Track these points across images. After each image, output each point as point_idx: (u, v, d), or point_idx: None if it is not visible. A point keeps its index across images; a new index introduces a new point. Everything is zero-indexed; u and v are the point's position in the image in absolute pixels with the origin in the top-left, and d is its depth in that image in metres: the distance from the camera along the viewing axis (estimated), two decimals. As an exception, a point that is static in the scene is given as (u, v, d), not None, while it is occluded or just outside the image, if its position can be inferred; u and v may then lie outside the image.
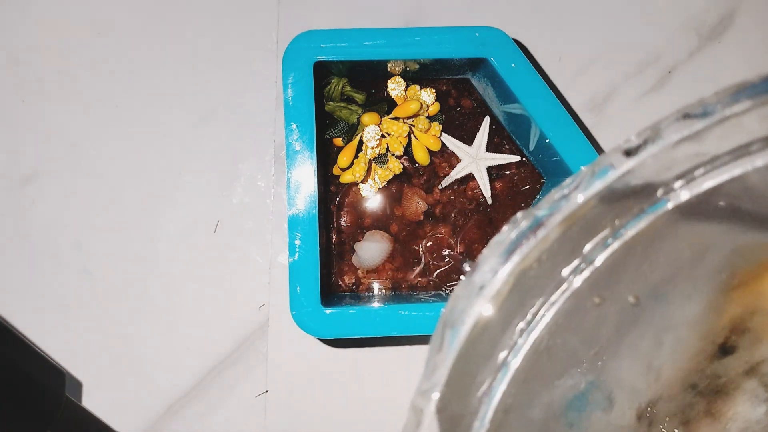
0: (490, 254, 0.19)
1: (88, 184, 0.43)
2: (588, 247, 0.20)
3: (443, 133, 0.42)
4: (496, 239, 0.19)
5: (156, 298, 0.43)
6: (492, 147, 0.43)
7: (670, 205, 0.20)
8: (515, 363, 0.20)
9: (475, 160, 0.41)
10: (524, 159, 0.43)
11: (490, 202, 0.42)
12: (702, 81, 0.46)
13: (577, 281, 0.20)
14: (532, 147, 0.42)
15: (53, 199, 0.43)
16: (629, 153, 0.19)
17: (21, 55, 0.44)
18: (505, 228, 0.19)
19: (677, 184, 0.20)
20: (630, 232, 0.20)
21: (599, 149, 0.45)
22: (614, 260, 0.20)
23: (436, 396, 0.19)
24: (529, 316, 0.20)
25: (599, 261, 0.20)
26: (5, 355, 0.35)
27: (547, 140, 0.37)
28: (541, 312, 0.21)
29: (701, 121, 0.19)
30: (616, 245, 0.20)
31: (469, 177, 0.43)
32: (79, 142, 0.43)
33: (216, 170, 0.44)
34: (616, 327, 0.23)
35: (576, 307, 0.21)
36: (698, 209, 0.20)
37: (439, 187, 0.42)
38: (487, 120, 0.42)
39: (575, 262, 0.20)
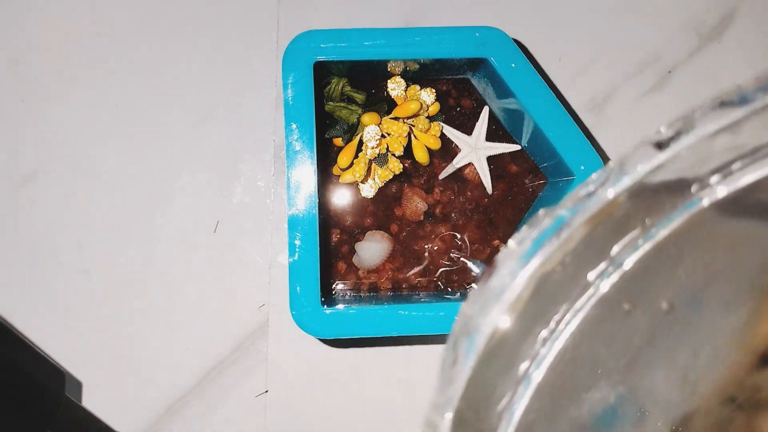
0: (508, 256, 0.17)
1: (88, 184, 0.43)
2: (616, 248, 0.19)
3: (442, 124, 0.42)
4: (515, 240, 0.18)
5: (156, 298, 0.43)
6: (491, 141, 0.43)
7: (705, 203, 0.18)
8: (538, 375, 0.19)
9: (474, 149, 0.41)
10: (524, 153, 0.43)
11: (490, 191, 0.42)
12: (702, 81, 0.46)
13: (605, 286, 0.19)
14: (532, 147, 0.42)
15: (53, 199, 0.43)
16: (660, 146, 0.17)
17: (21, 55, 0.44)
18: (524, 228, 0.18)
19: (713, 179, 0.18)
20: (662, 233, 0.18)
21: (599, 149, 0.45)
22: (645, 263, 0.19)
23: (451, 411, 0.17)
24: (552, 324, 0.19)
25: (628, 264, 0.19)
26: (5, 355, 0.35)
27: (547, 140, 0.37)
28: (566, 319, 0.19)
29: (739, 110, 0.17)
30: (646, 247, 0.18)
31: (467, 176, 0.42)
32: (79, 142, 0.43)
33: (216, 170, 0.44)
34: (648, 336, 0.22)
35: (604, 314, 0.19)
36: (737, 206, 0.19)
37: (440, 177, 0.42)
38: (486, 110, 0.42)
39: (602, 266, 0.19)
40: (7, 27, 0.44)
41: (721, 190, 0.18)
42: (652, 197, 0.18)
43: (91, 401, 0.42)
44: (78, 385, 0.42)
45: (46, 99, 0.44)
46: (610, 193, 0.17)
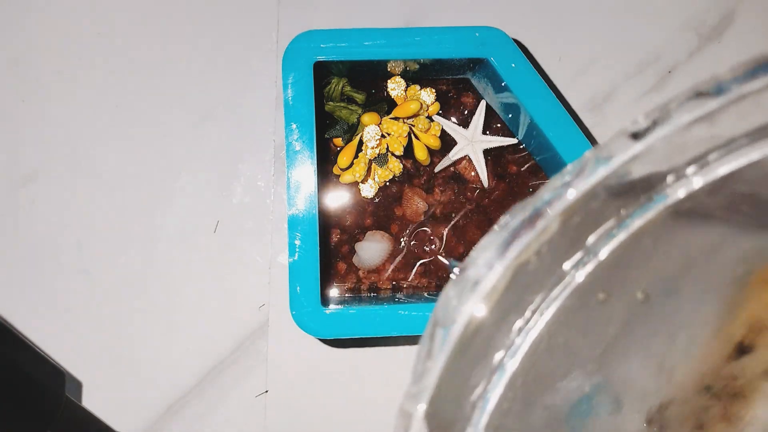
0: (485, 247, 0.17)
1: (88, 184, 0.43)
2: (591, 239, 0.18)
3: (440, 117, 0.42)
4: (492, 232, 0.18)
5: (156, 298, 0.43)
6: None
7: (681, 194, 0.18)
8: (512, 365, 0.19)
9: (471, 142, 0.41)
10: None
11: (486, 184, 0.42)
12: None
13: (580, 276, 0.19)
14: (532, 147, 0.42)
15: (53, 199, 0.43)
16: (636, 136, 0.17)
17: (21, 55, 0.44)
18: (501, 219, 0.18)
19: (689, 170, 0.18)
20: (637, 223, 0.18)
21: (599, 149, 0.45)
22: (620, 253, 0.19)
23: (425, 400, 0.17)
24: (527, 314, 0.19)
25: (604, 254, 0.19)
26: (5, 355, 0.35)
27: (547, 140, 0.37)
28: (541, 309, 0.19)
29: (715, 100, 0.17)
30: (622, 237, 0.18)
31: (464, 174, 0.43)
32: (79, 142, 0.43)
33: (216, 170, 0.44)
34: (623, 325, 0.22)
35: (579, 303, 0.19)
36: (713, 198, 0.19)
37: (435, 170, 0.42)
38: (483, 103, 0.42)
39: (578, 256, 0.19)
40: (7, 27, 0.44)
41: (697, 181, 0.18)
42: (628, 187, 0.18)
43: (91, 401, 0.42)
44: (78, 385, 0.42)
45: (46, 99, 0.43)
46: (586, 183, 0.17)
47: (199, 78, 0.44)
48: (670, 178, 0.18)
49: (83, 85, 0.44)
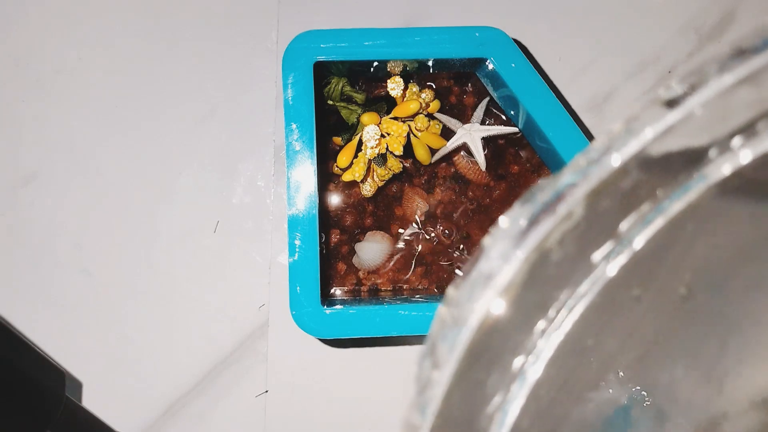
0: (499, 237, 0.15)
1: (88, 184, 0.43)
2: (624, 225, 0.16)
3: (438, 115, 0.42)
4: (507, 218, 0.15)
5: (156, 298, 0.43)
6: (493, 139, 0.43)
7: (726, 170, 0.16)
8: (535, 372, 0.16)
9: (469, 132, 0.41)
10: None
11: (483, 168, 0.42)
12: (702, 81, 0.46)
13: (612, 269, 0.16)
14: (533, 146, 0.42)
15: (53, 199, 0.43)
16: (672, 104, 0.15)
17: (21, 55, 0.44)
18: (517, 204, 0.15)
19: (735, 141, 0.15)
20: (676, 206, 0.16)
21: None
22: (658, 242, 0.16)
23: (433, 412, 0.15)
24: (551, 313, 0.17)
25: (639, 243, 0.16)
26: (5, 355, 0.35)
27: (548, 140, 0.37)
28: (567, 307, 0.16)
29: (762, 56, 0.14)
30: (659, 222, 0.16)
31: (459, 167, 0.42)
32: (79, 142, 0.43)
33: (216, 170, 0.44)
34: (663, 326, 0.19)
35: (611, 300, 0.17)
36: (763, 173, 0.16)
37: (431, 161, 0.42)
38: (487, 99, 0.42)
39: (608, 245, 0.16)
40: (7, 27, 0.44)
41: (745, 155, 0.15)
42: (665, 165, 0.15)
43: (91, 401, 0.42)
44: (78, 385, 0.42)
45: (46, 99, 0.44)
46: (616, 160, 0.15)
47: (199, 78, 0.44)
48: (712, 152, 0.16)
49: (83, 85, 0.44)
